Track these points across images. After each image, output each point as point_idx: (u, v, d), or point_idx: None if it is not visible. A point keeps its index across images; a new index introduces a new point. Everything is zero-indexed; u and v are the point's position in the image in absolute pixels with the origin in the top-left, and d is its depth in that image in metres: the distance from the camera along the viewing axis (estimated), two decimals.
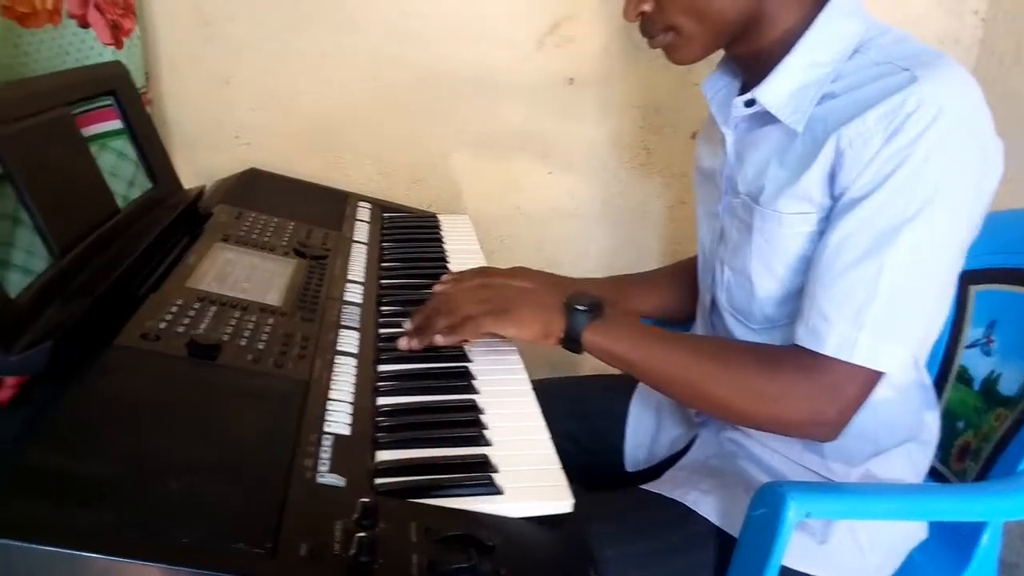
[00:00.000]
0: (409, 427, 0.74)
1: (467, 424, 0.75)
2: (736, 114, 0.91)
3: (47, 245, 0.83)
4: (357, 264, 1.10)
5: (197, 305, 0.83)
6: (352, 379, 0.79)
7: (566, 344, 0.87)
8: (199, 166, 1.43)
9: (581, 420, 1.16)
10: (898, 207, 0.76)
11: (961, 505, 0.87)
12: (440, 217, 1.38)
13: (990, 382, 1.09)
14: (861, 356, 0.78)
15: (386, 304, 1.01)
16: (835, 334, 0.79)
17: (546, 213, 1.56)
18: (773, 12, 0.85)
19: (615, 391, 1.19)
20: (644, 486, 0.97)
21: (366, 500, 0.58)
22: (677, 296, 1.18)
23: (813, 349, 0.80)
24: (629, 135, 1.52)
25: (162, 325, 0.77)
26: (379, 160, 1.50)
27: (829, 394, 0.80)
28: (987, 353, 1.10)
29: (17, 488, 0.52)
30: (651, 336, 0.89)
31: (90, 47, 1.15)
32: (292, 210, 1.22)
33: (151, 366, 0.71)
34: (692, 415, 1.07)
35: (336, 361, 0.81)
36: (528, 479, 0.68)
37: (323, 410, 0.71)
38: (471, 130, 1.49)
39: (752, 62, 0.90)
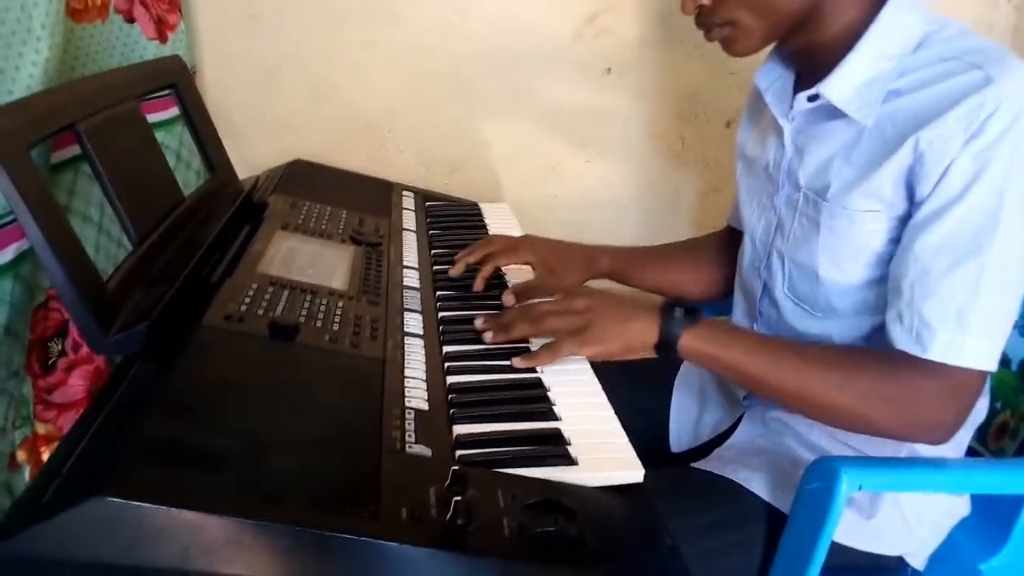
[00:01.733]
0: (481, 404, 0.77)
1: (536, 400, 0.79)
2: (798, 108, 0.93)
3: (127, 233, 0.87)
4: (410, 251, 1.13)
5: (271, 289, 0.87)
6: (422, 358, 0.82)
7: (660, 350, 0.87)
8: (245, 156, 1.46)
9: (623, 402, 1.18)
10: (990, 208, 0.78)
11: (1007, 478, 0.90)
12: (481, 205, 1.41)
13: None
14: (969, 359, 0.80)
15: (441, 289, 1.05)
16: (940, 339, 0.80)
17: (582, 200, 1.59)
18: (833, 6, 0.87)
19: (658, 373, 1.22)
20: (694, 464, 1.01)
21: (456, 468, 0.61)
22: (692, 273, 1.20)
23: (918, 355, 0.81)
24: (664, 124, 1.55)
25: (243, 308, 0.81)
26: (419, 150, 1.53)
27: (948, 396, 0.82)
28: (1023, 334, 1.13)
29: (141, 456, 0.56)
30: (761, 342, 0.89)
31: (135, 41, 1.18)
32: (342, 199, 1.26)
33: (238, 346, 0.75)
34: (738, 396, 1.10)
35: (406, 342, 0.85)
36: (599, 451, 0.71)
37: (402, 387, 0.75)
38: (509, 120, 1.52)
39: (810, 56, 0.92)
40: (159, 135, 1.17)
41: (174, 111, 1.18)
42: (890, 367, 0.84)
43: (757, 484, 0.96)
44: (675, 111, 1.54)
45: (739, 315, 1.10)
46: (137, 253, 0.86)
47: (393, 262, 1.07)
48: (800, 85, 0.95)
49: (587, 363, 0.88)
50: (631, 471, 0.69)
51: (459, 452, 0.69)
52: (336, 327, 0.82)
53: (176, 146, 1.23)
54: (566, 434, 0.73)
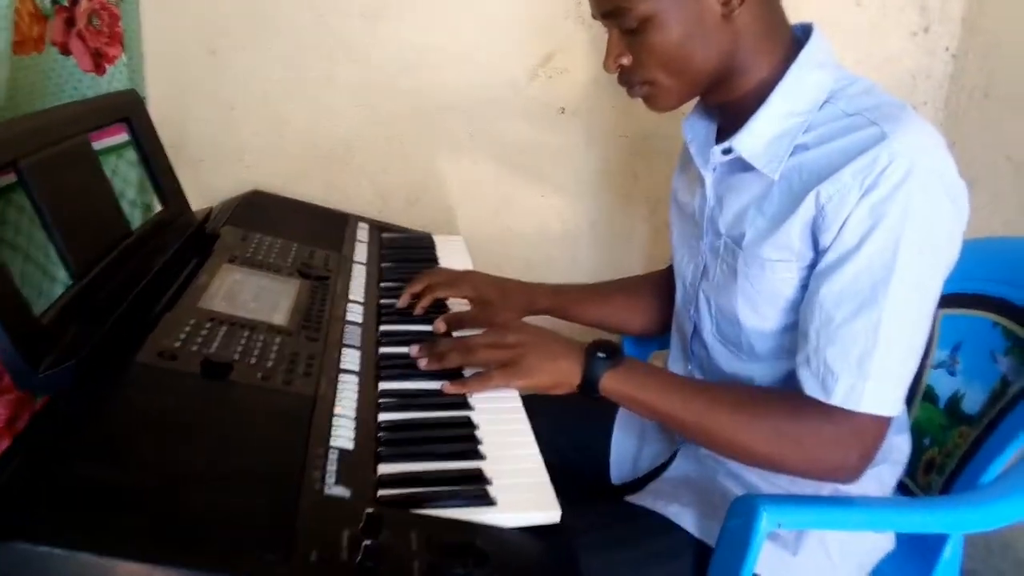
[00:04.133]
0: (409, 442, 0.79)
1: (462, 439, 0.81)
2: (715, 160, 0.97)
3: (67, 267, 0.88)
4: (357, 285, 1.15)
5: (209, 324, 0.89)
6: (355, 396, 0.84)
7: (583, 391, 0.91)
8: (203, 186, 1.48)
9: (567, 436, 1.21)
10: (885, 260, 0.82)
11: (925, 518, 0.93)
12: (435, 238, 1.44)
13: (954, 401, 1.15)
14: (868, 405, 0.83)
15: (385, 322, 1.07)
16: (842, 385, 0.83)
17: (536, 234, 1.62)
18: (746, 64, 0.91)
19: (599, 408, 1.24)
20: (628, 498, 1.03)
21: (370, 511, 0.63)
22: (631, 311, 1.24)
23: (822, 400, 0.85)
24: (617, 161, 1.59)
25: (177, 344, 0.82)
26: (376, 182, 1.56)
27: (850, 440, 0.85)
28: (952, 373, 1.16)
29: (53, 497, 0.57)
30: (673, 383, 0.93)
31: (70, 73, 1.18)
32: (295, 231, 1.28)
33: (169, 383, 0.76)
34: (673, 432, 1.13)
35: (340, 379, 0.87)
36: (519, 491, 0.73)
37: (329, 425, 0.77)
38: (466, 155, 1.55)
39: (727, 110, 0.96)
40: (107, 162, 1.18)
41: (106, 142, 1.19)
42: (794, 410, 0.87)
43: (686, 519, 0.98)
44: (628, 149, 1.58)
45: (675, 354, 1.13)
46: (75, 288, 0.87)
47: (338, 296, 1.09)
48: (721, 136, 0.99)
49: (519, 401, 0.91)
50: (548, 511, 0.71)
51: (381, 492, 0.70)
52: (270, 364, 0.84)
53: (124, 173, 1.24)
54: (488, 473, 0.75)
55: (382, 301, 1.14)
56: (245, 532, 0.59)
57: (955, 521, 0.95)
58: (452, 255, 1.39)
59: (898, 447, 1.03)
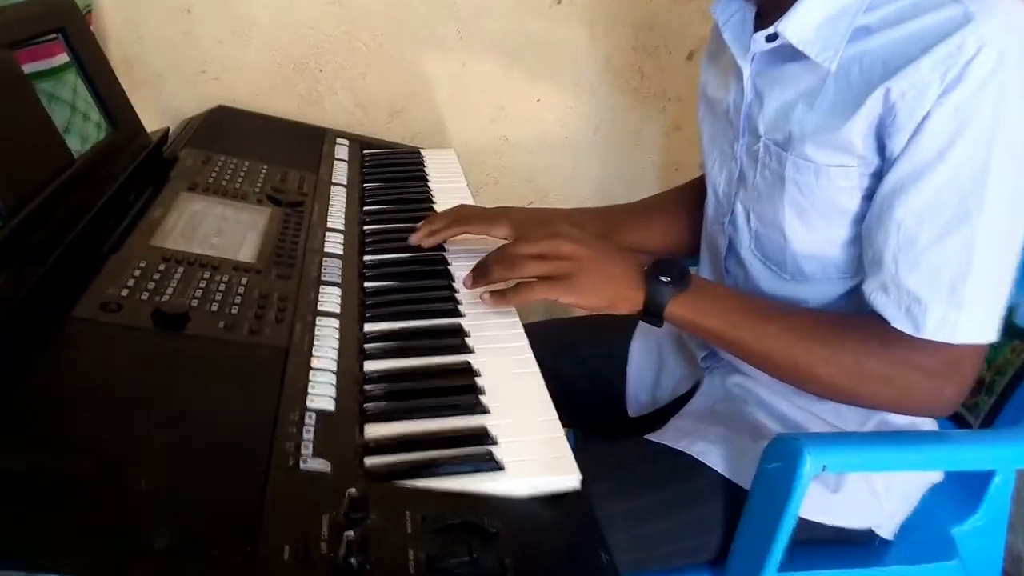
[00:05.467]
0: (399, 395, 0.68)
1: (462, 390, 0.70)
2: (755, 49, 0.82)
3: None
4: (337, 209, 1.02)
5: (162, 266, 0.77)
6: (335, 343, 0.73)
7: (645, 316, 0.81)
8: (163, 104, 1.34)
9: (578, 364, 1.11)
10: (974, 170, 0.69)
11: (977, 453, 0.84)
12: (424, 152, 1.30)
13: (1008, 312, 1.04)
14: (964, 334, 0.73)
15: (370, 252, 0.94)
16: (932, 316, 0.72)
17: (535, 142, 1.48)
18: None
19: (613, 332, 1.13)
20: (648, 436, 0.93)
21: (353, 491, 0.52)
22: (681, 228, 1.10)
23: (911, 334, 0.74)
24: (621, 57, 1.43)
25: (124, 292, 0.70)
26: (355, 91, 1.41)
27: (945, 373, 0.75)
28: None
29: None
30: (744, 310, 0.82)
31: None
32: (265, 151, 1.14)
33: (113, 341, 0.65)
34: (696, 357, 1.02)
35: (318, 323, 0.75)
36: (531, 451, 0.63)
37: (305, 382, 0.65)
38: (453, 56, 1.40)
39: None
40: (45, 85, 1.04)
41: (64, 57, 1.04)
42: (880, 342, 0.76)
43: (714, 458, 0.88)
44: (632, 43, 1.42)
45: (705, 273, 1.01)
46: (7, 228, 0.74)
47: (315, 224, 0.96)
48: (760, 21, 0.84)
49: (525, 340, 0.79)
50: (566, 475, 0.61)
51: (368, 461, 0.60)
52: (235, 310, 0.73)
53: (70, 97, 1.10)
54: (493, 431, 0.64)
55: (365, 227, 1.01)
56: (203, 526, 0.49)
57: (1008, 456, 0.87)
58: (443, 171, 1.25)
59: None
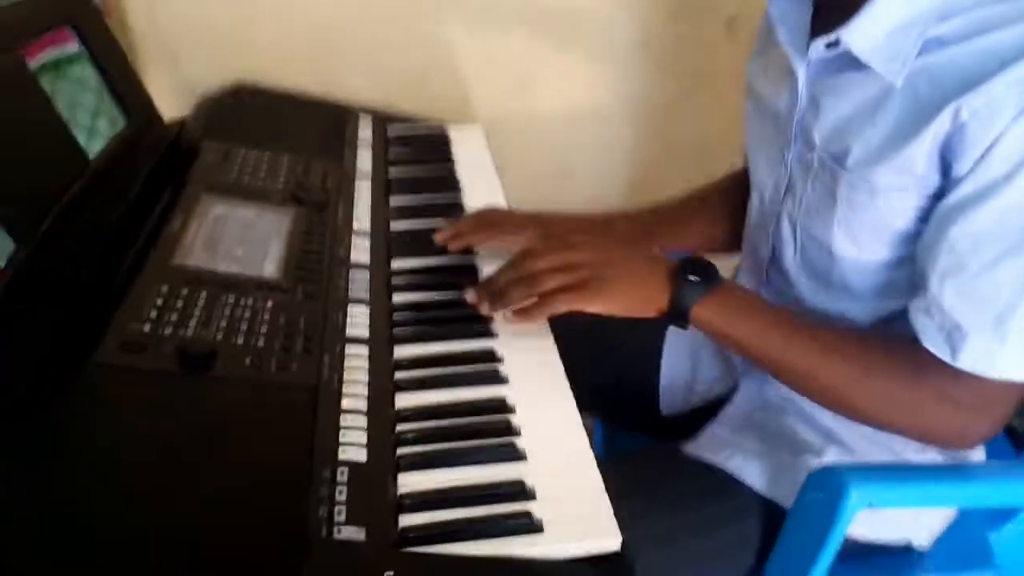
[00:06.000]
0: (433, 437, 0.66)
1: (498, 432, 0.67)
2: (813, 55, 0.76)
3: (8, 230, 0.72)
4: (362, 207, 0.99)
5: (185, 291, 0.74)
6: (365, 376, 0.70)
7: (670, 318, 0.78)
8: (179, 80, 1.28)
9: (610, 358, 1.08)
10: None
11: None
12: (450, 131, 1.25)
13: None
14: (1004, 370, 0.69)
15: (398, 255, 0.91)
16: (973, 347, 0.69)
17: (562, 114, 1.42)
18: None
19: (648, 326, 1.10)
20: (685, 448, 0.91)
21: (391, 574, 0.50)
22: (722, 227, 1.05)
23: (947, 361, 0.70)
24: (655, 24, 1.36)
25: (146, 328, 0.68)
26: (376, 64, 1.34)
27: (977, 409, 0.72)
28: None
29: None
30: (772, 321, 0.78)
31: None
32: (286, 138, 1.10)
33: (137, 389, 0.63)
34: (734, 358, 0.99)
35: (347, 352, 0.72)
36: (569, 507, 0.61)
37: (336, 428, 0.63)
38: (475, 26, 1.33)
39: None
40: (74, 71, 0.98)
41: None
42: (913, 368, 0.73)
43: (751, 474, 0.86)
44: (666, 9, 1.34)
45: (747, 278, 0.97)
46: (20, 256, 0.71)
47: (340, 228, 0.92)
48: (819, 19, 0.77)
49: (562, 373, 0.76)
50: (607, 539, 0.59)
51: (402, 520, 0.58)
52: (261, 342, 0.70)
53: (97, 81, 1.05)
54: (530, 483, 0.62)
55: (392, 227, 0.97)
56: None
57: None
58: (470, 151, 1.21)
59: None
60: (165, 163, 0.95)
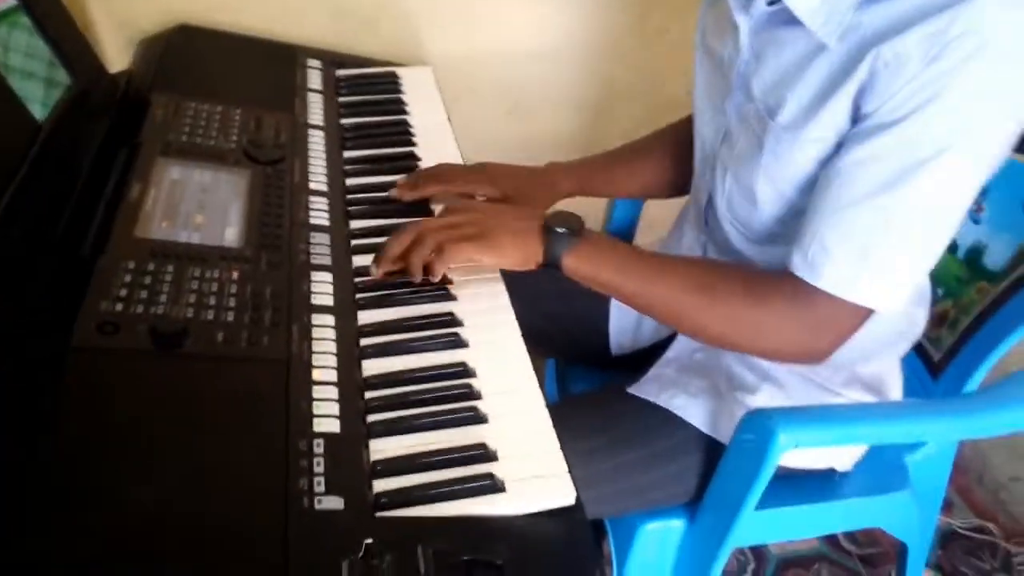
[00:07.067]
0: (400, 403, 0.71)
1: (460, 396, 0.72)
2: (757, 8, 0.79)
3: None
4: (317, 163, 1.00)
5: (151, 265, 0.76)
6: (333, 346, 0.74)
7: (547, 267, 0.82)
8: (120, 17, 1.25)
9: (563, 302, 1.13)
10: (924, 142, 0.68)
11: (962, 423, 0.89)
12: (400, 75, 1.25)
13: (975, 252, 1.07)
14: (860, 296, 0.75)
15: (355, 215, 0.94)
16: (834, 270, 0.74)
17: (509, 51, 1.42)
18: None
19: None
20: (631, 389, 0.98)
21: (370, 541, 0.56)
22: (670, 170, 1.09)
23: (808, 281, 0.76)
24: None
25: (118, 307, 0.70)
26: (324, 1, 1.32)
27: (821, 327, 0.78)
28: (976, 221, 1.07)
29: None
30: (635, 261, 0.83)
31: None
32: (235, 86, 1.10)
33: (115, 371, 0.65)
34: None
35: (314, 322, 0.76)
36: (529, 466, 0.67)
37: (309, 401, 0.67)
38: None
39: None
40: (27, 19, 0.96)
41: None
42: (762, 294, 0.79)
43: (693, 413, 0.94)
44: None
45: (691, 222, 1.02)
46: None
47: (297, 187, 0.94)
48: None
49: (517, 333, 0.81)
50: (563, 496, 0.65)
51: (376, 486, 0.63)
52: (230, 317, 0.73)
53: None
54: (492, 445, 0.68)
55: (348, 182, 0.99)
56: None
57: (1000, 426, 0.89)
58: (419, 93, 1.22)
59: (916, 321, 0.96)
60: (116, 121, 0.95)
